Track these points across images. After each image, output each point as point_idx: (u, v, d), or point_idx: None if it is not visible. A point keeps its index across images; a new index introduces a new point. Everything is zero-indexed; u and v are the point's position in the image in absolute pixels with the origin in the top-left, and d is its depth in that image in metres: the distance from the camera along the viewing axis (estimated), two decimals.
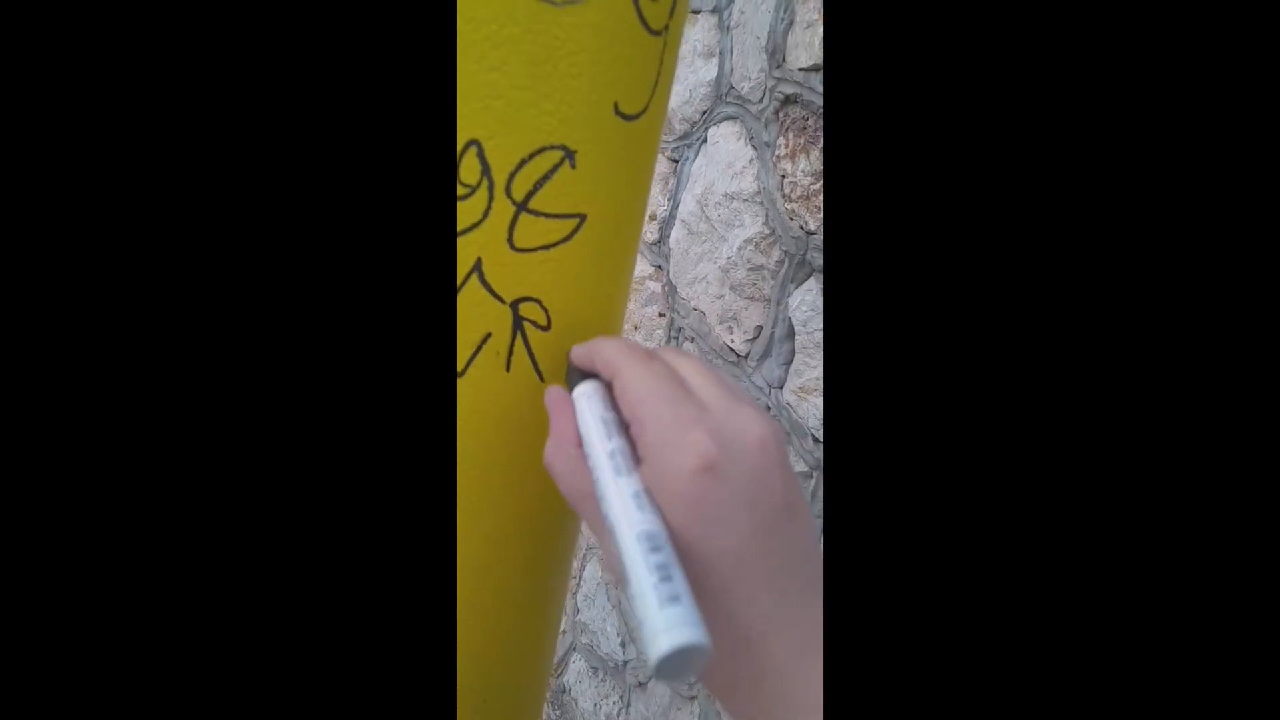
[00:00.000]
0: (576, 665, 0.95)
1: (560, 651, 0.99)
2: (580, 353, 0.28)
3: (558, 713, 0.94)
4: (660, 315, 0.82)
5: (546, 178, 0.28)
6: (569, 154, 0.28)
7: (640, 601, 0.18)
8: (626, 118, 0.29)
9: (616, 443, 0.23)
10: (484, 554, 0.33)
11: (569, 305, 0.31)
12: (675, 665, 0.17)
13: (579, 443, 0.25)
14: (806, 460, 0.63)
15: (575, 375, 0.29)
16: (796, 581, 0.21)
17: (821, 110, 0.60)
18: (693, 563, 0.20)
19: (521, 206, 0.28)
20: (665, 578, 0.18)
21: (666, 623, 0.17)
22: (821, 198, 0.60)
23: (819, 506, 0.64)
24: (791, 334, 0.65)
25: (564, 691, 0.96)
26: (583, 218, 0.30)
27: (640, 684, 0.83)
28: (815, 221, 0.61)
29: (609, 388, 0.26)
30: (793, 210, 0.63)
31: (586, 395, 0.26)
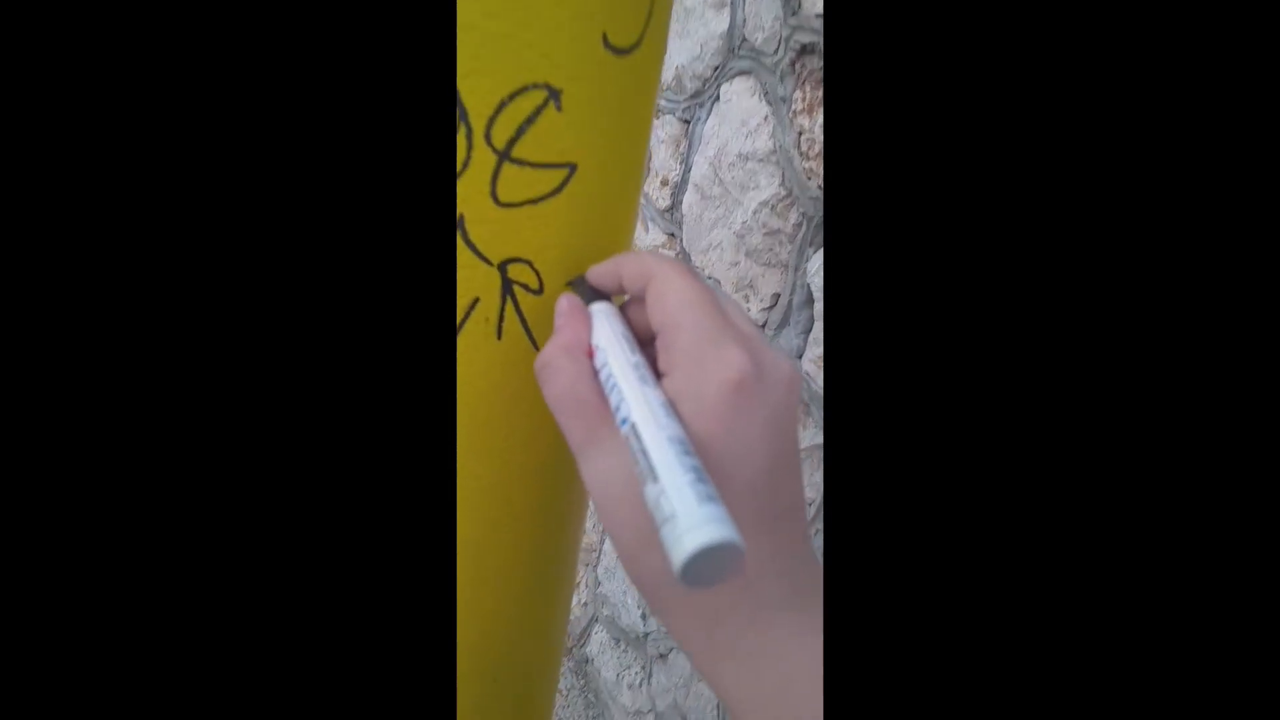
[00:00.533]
0: (599, 636, 0.95)
1: (582, 623, 0.99)
2: (602, 269, 0.25)
3: (581, 683, 0.95)
4: None
5: (530, 121, 0.26)
6: (554, 94, 0.26)
7: (675, 496, 0.17)
8: (617, 51, 0.26)
9: (640, 357, 0.22)
10: (483, 532, 0.31)
11: (563, 266, 0.29)
12: (708, 565, 0.16)
13: (589, 352, 0.23)
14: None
15: (587, 294, 0.26)
16: (793, 531, 0.21)
17: None
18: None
19: (504, 155, 0.26)
20: (701, 479, 0.18)
21: (706, 517, 0.16)
22: None
23: None
24: (810, 301, 0.62)
25: (587, 662, 0.96)
26: (573, 167, 0.27)
27: (661, 655, 0.82)
28: None
29: (625, 309, 0.25)
30: (810, 169, 0.60)
31: (604, 311, 0.25)
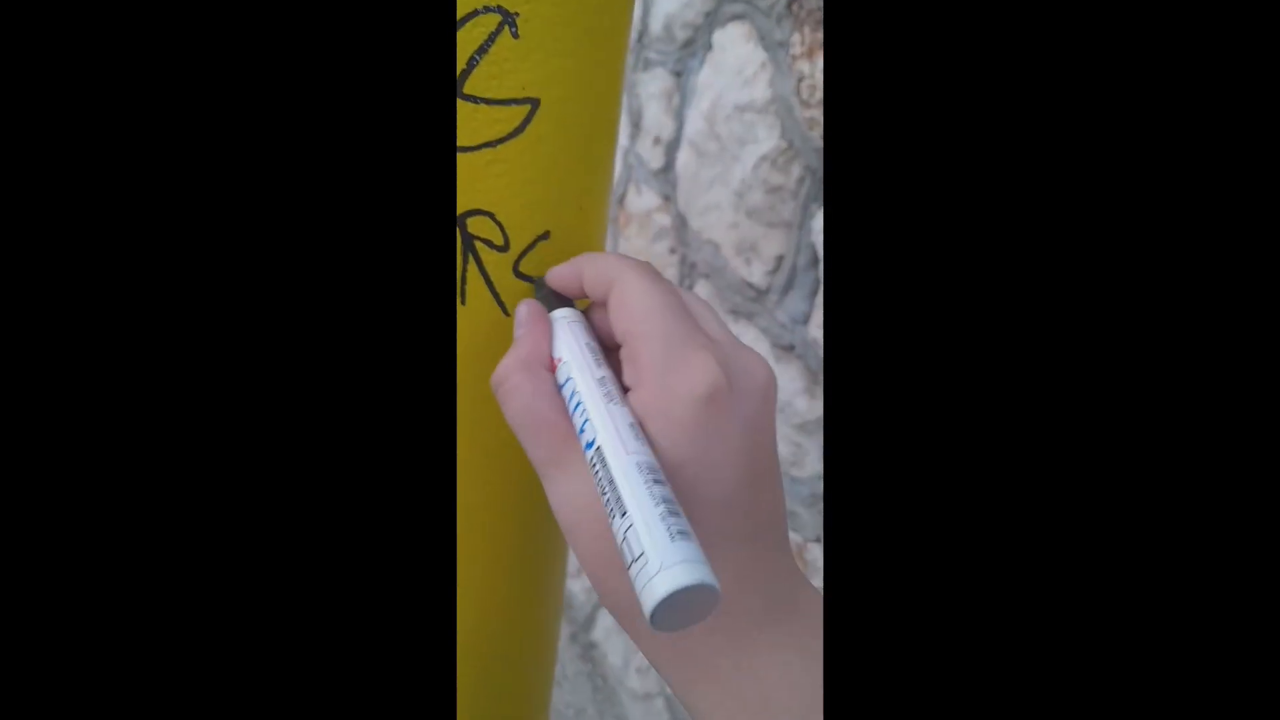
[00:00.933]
0: (604, 622, 0.93)
1: (588, 608, 0.97)
2: (563, 271, 0.24)
3: (588, 668, 0.93)
4: (671, 251, 0.76)
5: (482, 50, 0.22)
6: (508, 17, 0.22)
7: (644, 533, 0.16)
8: None
9: (605, 371, 0.21)
10: (461, 521, 0.28)
11: (529, 218, 0.25)
12: (680, 607, 0.15)
13: (551, 365, 0.22)
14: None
15: (550, 299, 0.24)
16: (771, 542, 0.20)
17: None
18: (680, 503, 0.18)
19: (455, 91, 0.22)
20: (672, 511, 0.17)
21: (680, 555, 0.15)
22: None
23: None
24: (816, 261, 0.58)
25: (593, 647, 0.94)
26: (534, 103, 0.24)
27: None
28: None
29: (588, 316, 0.24)
30: (812, 118, 0.55)
31: (567, 319, 0.23)
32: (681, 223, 0.73)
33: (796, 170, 0.58)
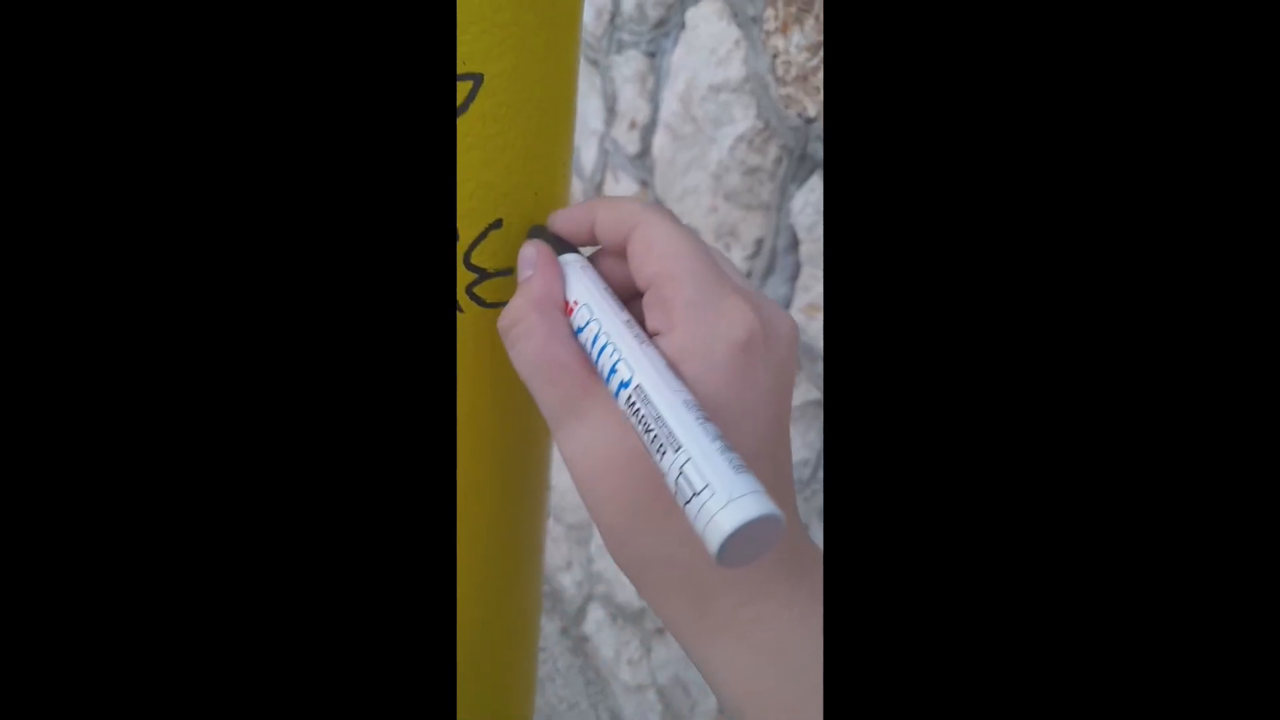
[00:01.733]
0: (595, 614, 0.92)
1: (578, 602, 0.96)
2: (573, 214, 0.22)
3: (580, 661, 0.92)
4: None
5: None
6: None
7: (706, 466, 0.16)
8: None
9: (628, 314, 0.20)
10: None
11: (478, 205, 0.23)
12: (746, 541, 0.15)
13: (567, 308, 0.21)
14: (819, 386, 0.56)
15: (553, 245, 0.23)
16: (787, 494, 0.20)
17: None
18: None
19: None
20: (728, 446, 0.16)
21: (747, 487, 0.15)
22: (821, 76, 0.50)
23: None
24: (796, 244, 0.56)
25: (585, 640, 0.93)
26: (477, 79, 0.22)
27: (659, 630, 0.79)
28: (815, 106, 0.51)
29: (595, 262, 0.22)
30: (788, 96, 0.53)
31: (578, 263, 0.22)
32: None
33: (773, 150, 0.56)
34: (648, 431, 0.17)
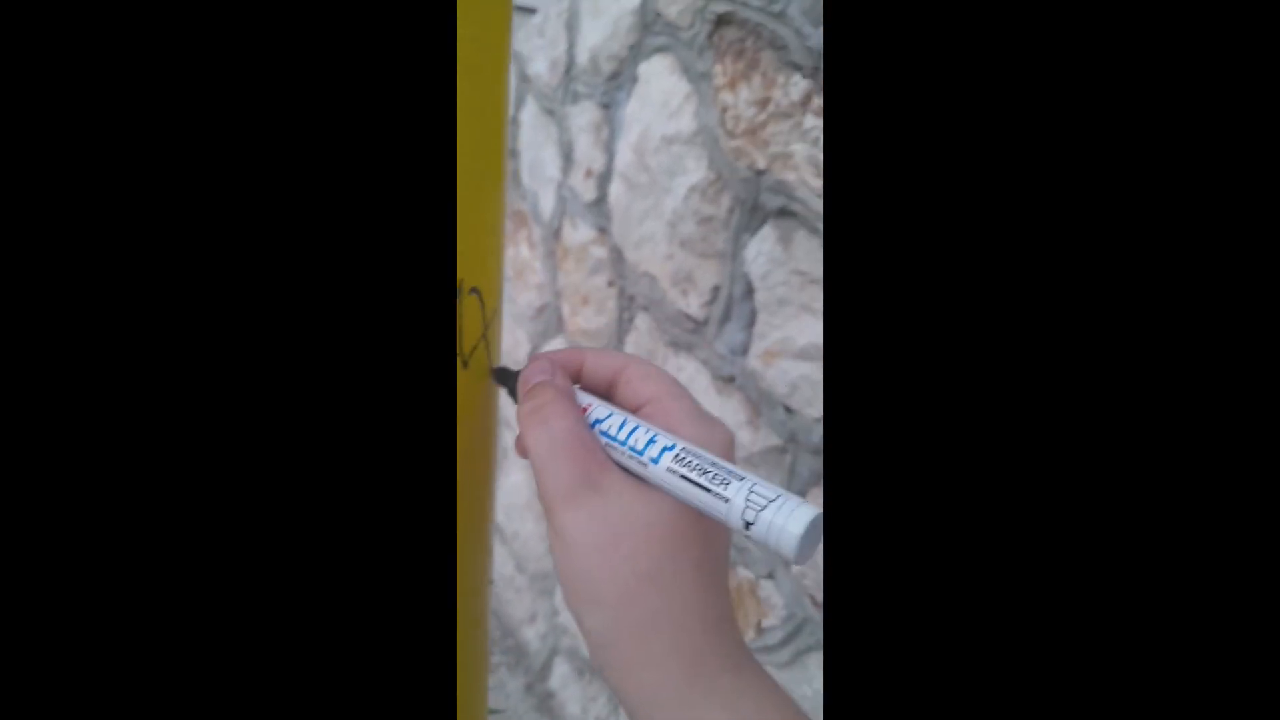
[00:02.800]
0: (560, 669, 0.89)
1: (543, 656, 0.92)
2: (564, 358, 0.25)
3: (546, 718, 0.88)
4: (609, 284, 0.74)
5: None
6: None
7: (765, 486, 0.20)
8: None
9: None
10: None
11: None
12: (812, 537, 0.19)
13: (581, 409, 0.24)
14: (779, 432, 0.56)
15: (509, 382, 0.26)
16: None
17: (759, 28, 0.51)
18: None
19: None
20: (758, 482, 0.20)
21: (799, 498, 0.19)
22: (768, 130, 0.52)
23: (797, 484, 0.57)
24: (750, 292, 0.57)
25: (550, 697, 0.90)
26: None
27: None
28: (764, 159, 0.53)
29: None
30: (738, 148, 0.55)
31: (580, 390, 0.25)
32: (618, 255, 0.71)
33: (726, 201, 0.57)
34: (704, 473, 0.20)
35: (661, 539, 0.20)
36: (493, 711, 0.92)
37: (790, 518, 0.18)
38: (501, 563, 1.01)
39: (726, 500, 0.19)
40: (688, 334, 0.64)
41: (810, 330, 0.53)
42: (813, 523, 0.19)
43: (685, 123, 0.59)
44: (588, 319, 0.78)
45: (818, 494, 0.55)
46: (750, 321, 0.58)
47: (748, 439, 0.59)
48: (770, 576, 0.61)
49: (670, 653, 0.20)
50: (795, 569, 0.58)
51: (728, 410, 0.60)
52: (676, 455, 0.21)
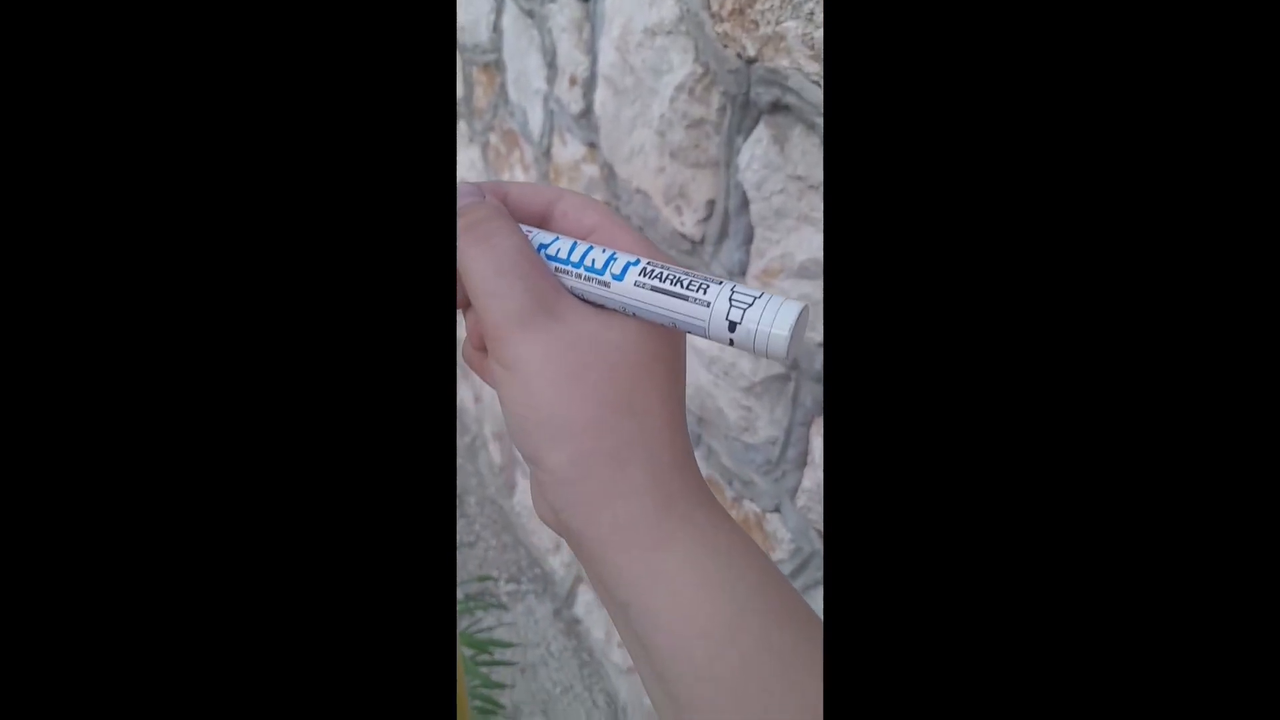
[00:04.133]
0: (585, 596, 0.90)
1: (567, 584, 0.94)
2: (492, 187, 0.23)
3: (573, 644, 0.91)
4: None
5: None
6: None
7: (744, 286, 0.19)
8: None
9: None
10: None
11: None
12: (800, 332, 0.18)
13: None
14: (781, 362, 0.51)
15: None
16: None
17: None
18: None
19: None
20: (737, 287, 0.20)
21: (780, 295, 0.19)
22: (757, 7, 0.44)
23: (801, 414, 0.52)
24: (746, 204, 0.51)
25: (576, 623, 0.91)
26: None
27: None
28: (754, 45, 0.45)
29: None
30: (725, 33, 0.47)
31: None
32: (610, 172, 0.65)
33: (716, 99, 0.50)
34: (678, 282, 0.19)
35: (630, 365, 0.19)
36: (483, 578, 0.94)
37: (777, 315, 0.18)
38: (523, 493, 1.02)
39: (708, 304, 0.19)
40: (684, 255, 0.59)
41: (810, 244, 0.46)
42: (799, 318, 0.18)
43: (668, 9, 0.51)
44: None
45: (819, 425, 0.51)
46: (748, 238, 0.52)
47: (748, 368, 0.55)
48: (777, 510, 0.58)
49: (645, 483, 0.19)
50: (800, 503, 0.54)
51: None
52: (643, 269, 0.19)
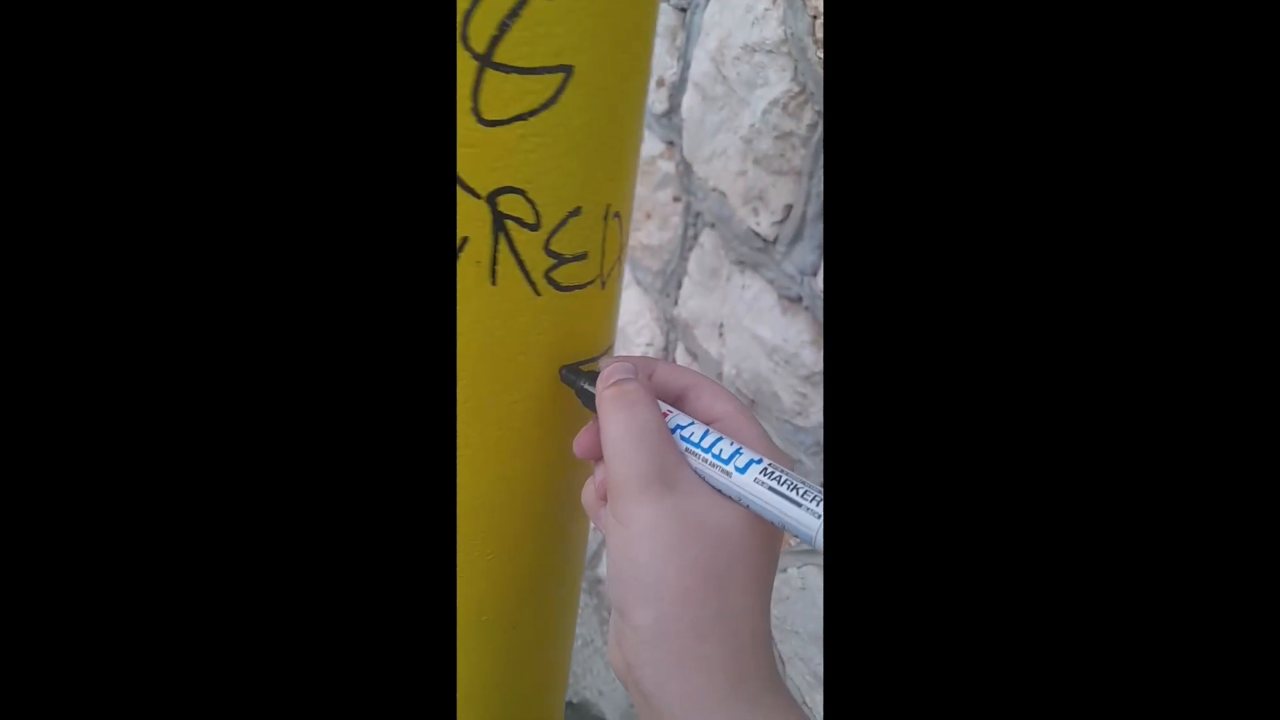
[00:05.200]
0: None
1: (593, 546, 1.00)
2: (629, 366, 0.26)
3: (595, 601, 0.97)
4: (675, 200, 0.74)
5: (514, 14, 0.21)
6: None
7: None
8: None
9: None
10: (487, 492, 0.28)
11: (560, 192, 0.24)
12: None
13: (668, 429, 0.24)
14: None
15: (580, 383, 0.26)
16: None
17: None
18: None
19: (485, 59, 0.21)
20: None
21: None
22: None
23: None
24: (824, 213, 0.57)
25: (599, 582, 0.98)
26: (568, 71, 0.22)
27: None
28: None
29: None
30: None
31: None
32: (686, 169, 0.71)
33: (809, 115, 0.56)
34: (794, 489, 0.21)
35: (731, 546, 0.20)
36: None
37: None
38: None
39: (818, 516, 0.20)
40: (756, 252, 0.64)
41: None
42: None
43: (770, 30, 0.57)
44: (650, 234, 0.79)
45: None
46: (822, 243, 0.58)
47: (811, 359, 0.61)
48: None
49: (720, 657, 0.20)
50: None
51: (792, 330, 0.61)
52: (764, 468, 0.21)
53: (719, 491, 0.22)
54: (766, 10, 0.57)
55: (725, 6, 0.61)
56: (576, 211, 0.25)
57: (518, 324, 0.25)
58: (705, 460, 0.22)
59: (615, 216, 0.26)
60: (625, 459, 0.21)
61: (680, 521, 0.20)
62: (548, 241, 0.25)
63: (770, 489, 0.21)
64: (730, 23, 0.61)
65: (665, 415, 0.24)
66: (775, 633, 0.66)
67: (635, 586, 0.20)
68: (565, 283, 0.26)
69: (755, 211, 0.63)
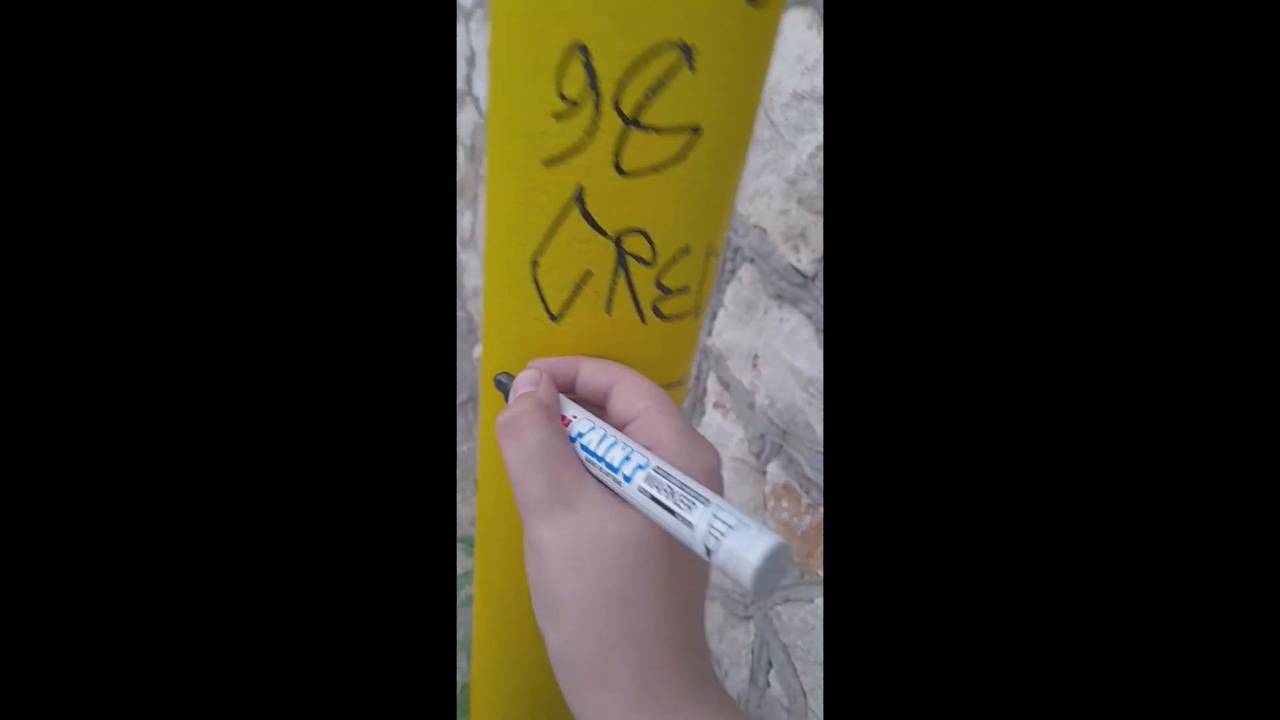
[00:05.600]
0: None
1: None
2: (559, 366, 0.26)
3: None
4: None
5: (662, 84, 0.24)
6: (687, 52, 0.23)
7: (729, 513, 0.19)
8: (753, 1, 0.24)
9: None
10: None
11: (674, 234, 0.27)
12: (773, 569, 0.18)
13: (564, 421, 0.24)
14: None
15: (508, 388, 0.26)
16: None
17: None
18: None
19: (632, 122, 0.24)
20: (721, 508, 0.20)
21: (760, 526, 0.19)
22: None
23: None
24: None
25: None
26: (696, 130, 0.25)
27: None
28: None
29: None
30: None
31: (565, 396, 0.26)
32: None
33: None
34: (671, 495, 0.20)
35: (629, 557, 0.20)
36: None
37: (749, 546, 0.17)
38: None
39: (690, 525, 0.19)
40: (795, 287, 0.67)
41: None
42: (772, 552, 0.17)
43: (819, 80, 0.61)
44: None
45: None
46: None
47: None
48: None
49: (627, 674, 0.19)
50: None
51: None
52: (648, 475, 0.20)
53: (622, 501, 0.21)
54: (816, 61, 0.61)
55: (777, 57, 0.65)
56: (686, 250, 0.28)
57: (628, 349, 0.28)
58: (601, 470, 0.22)
59: (714, 254, 0.29)
60: (521, 487, 0.21)
61: (577, 541, 0.20)
62: (659, 277, 0.28)
63: (651, 497, 0.20)
64: (780, 71, 0.65)
65: (569, 422, 0.23)
66: (797, 663, 0.67)
67: (545, 610, 0.20)
68: (668, 313, 0.29)
69: (796, 249, 0.66)
